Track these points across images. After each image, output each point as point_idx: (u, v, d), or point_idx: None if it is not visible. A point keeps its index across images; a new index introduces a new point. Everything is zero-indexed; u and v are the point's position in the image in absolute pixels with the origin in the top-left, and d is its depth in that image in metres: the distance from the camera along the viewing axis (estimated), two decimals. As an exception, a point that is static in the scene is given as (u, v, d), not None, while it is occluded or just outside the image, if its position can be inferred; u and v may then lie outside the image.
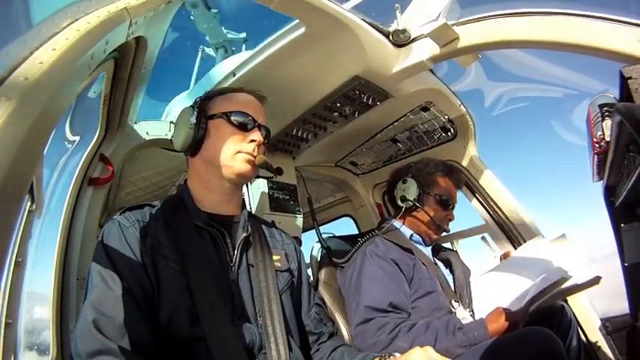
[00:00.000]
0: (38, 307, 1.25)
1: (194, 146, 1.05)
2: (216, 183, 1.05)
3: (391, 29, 1.37)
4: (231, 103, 1.09)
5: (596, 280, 1.28)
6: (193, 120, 1.03)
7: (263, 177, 1.24)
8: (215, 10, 3.95)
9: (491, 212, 1.90)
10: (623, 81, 0.83)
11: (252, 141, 1.04)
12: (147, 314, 0.83)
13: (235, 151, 1.02)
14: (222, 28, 4.15)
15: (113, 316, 0.78)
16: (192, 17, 3.89)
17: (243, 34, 4.33)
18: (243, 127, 1.05)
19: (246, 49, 4.21)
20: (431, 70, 1.63)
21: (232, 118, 1.05)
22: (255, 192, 1.77)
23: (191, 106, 1.09)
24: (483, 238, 1.96)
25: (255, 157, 1.04)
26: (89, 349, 0.74)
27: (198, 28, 3.98)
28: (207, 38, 4.14)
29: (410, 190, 1.64)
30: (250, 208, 1.75)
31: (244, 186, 1.78)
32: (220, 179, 1.04)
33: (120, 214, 0.97)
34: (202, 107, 1.08)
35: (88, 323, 0.76)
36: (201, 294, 0.86)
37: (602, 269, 1.28)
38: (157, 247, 0.91)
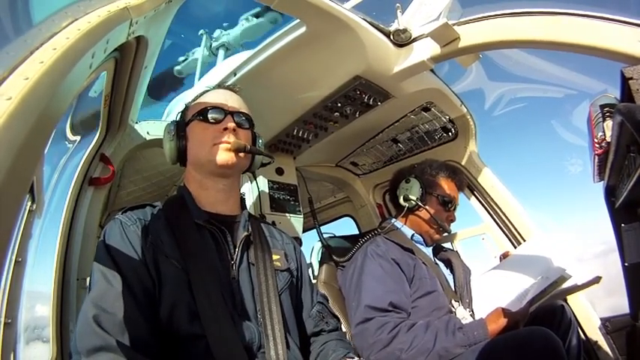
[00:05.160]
0: (40, 306, 1.25)
1: (181, 155, 1.07)
2: (208, 182, 1.06)
3: (392, 29, 1.37)
4: (201, 102, 1.10)
5: (596, 280, 1.28)
6: (172, 132, 1.07)
7: (264, 164, 1.24)
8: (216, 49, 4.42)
9: (491, 212, 1.90)
10: (624, 81, 0.83)
11: (225, 129, 1.04)
12: (147, 311, 0.83)
13: (212, 145, 1.03)
14: (222, 38, 4.44)
15: (114, 313, 0.78)
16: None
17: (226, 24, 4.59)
18: (215, 121, 1.05)
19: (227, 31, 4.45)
20: (432, 70, 1.63)
21: (202, 115, 1.05)
22: (256, 192, 1.76)
23: (174, 119, 1.13)
24: (484, 238, 1.96)
25: (229, 143, 1.03)
26: (90, 346, 0.74)
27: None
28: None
29: (413, 189, 1.64)
30: (251, 208, 1.75)
31: (245, 185, 1.78)
32: (210, 177, 1.05)
33: (121, 214, 0.98)
34: (183, 117, 1.12)
35: (88, 319, 0.76)
36: (201, 291, 0.87)
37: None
38: (159, 245, 0.91)
